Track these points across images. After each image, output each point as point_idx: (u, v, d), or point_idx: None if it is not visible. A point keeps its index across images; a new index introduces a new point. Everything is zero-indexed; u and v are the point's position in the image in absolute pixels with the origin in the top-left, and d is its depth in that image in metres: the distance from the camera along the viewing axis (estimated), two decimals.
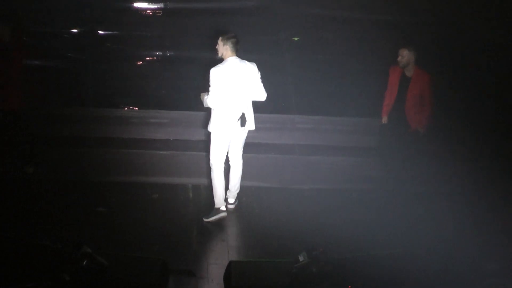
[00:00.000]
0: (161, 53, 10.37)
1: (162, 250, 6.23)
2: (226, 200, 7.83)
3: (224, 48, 7.30)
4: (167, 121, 9.71)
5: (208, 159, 7.59)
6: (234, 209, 7.77)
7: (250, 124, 7.51)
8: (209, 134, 7.52)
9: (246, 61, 7.31)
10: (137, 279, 5.30)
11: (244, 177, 7.87)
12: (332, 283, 5.25)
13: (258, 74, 7.36)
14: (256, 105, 7.57)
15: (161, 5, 10.19)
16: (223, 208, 7.64)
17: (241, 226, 7.41)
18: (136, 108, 9.86)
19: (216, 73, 7.16)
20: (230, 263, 5.70)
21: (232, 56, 7.27)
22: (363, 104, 9.53)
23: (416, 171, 8.30)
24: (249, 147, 7.81)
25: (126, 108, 9.95)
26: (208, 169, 7.68)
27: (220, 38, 7.33)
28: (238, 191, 7.91)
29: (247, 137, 7.72)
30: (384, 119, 8.43)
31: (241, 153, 7.77)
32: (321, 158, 9.20)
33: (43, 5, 9.81)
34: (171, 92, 10.16)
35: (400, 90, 8.19)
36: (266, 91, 7.46)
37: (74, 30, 10.19)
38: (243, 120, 7.37)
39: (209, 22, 9.92)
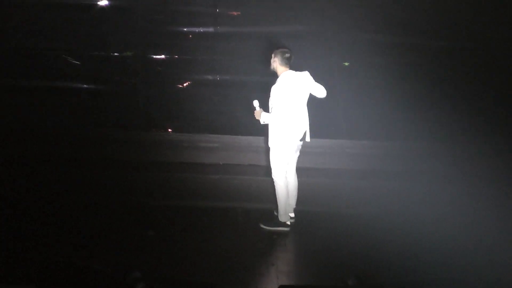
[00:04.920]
0: (211, 77, 10.43)
1: (212, 274, 6.22)
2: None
3: (274, 62, 7.34)
4: (217, 145, 9.77)
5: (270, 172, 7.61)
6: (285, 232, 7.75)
7: (307, 136, 7.51)
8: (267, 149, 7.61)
9: (298, 72, 7.27)
10: None
11: None
12: None
13: (312, 79, 7.29)
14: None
15: (211, 29, 10.27)
16: (288, 222, 7.67)
17: (291, 250, 7.36)
18: (187, 133, 9.94)
19: (276, 90, 7.16)
20: None
21: (285, 70, 7.28)
22: (411, 129, 9.48)
23: None
24: (298, 171, 7.79)
25: (176, 132, 10.04)
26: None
27: (273, 53, 7.36)
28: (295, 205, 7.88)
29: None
30: None
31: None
32: (370, 182, 9.15)
33: (94, 29, 10.00)
34: (222, 116, 10.22)
35: None
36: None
37: (125, 54, 10.33)
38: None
39: (259, 46, 9.97)
